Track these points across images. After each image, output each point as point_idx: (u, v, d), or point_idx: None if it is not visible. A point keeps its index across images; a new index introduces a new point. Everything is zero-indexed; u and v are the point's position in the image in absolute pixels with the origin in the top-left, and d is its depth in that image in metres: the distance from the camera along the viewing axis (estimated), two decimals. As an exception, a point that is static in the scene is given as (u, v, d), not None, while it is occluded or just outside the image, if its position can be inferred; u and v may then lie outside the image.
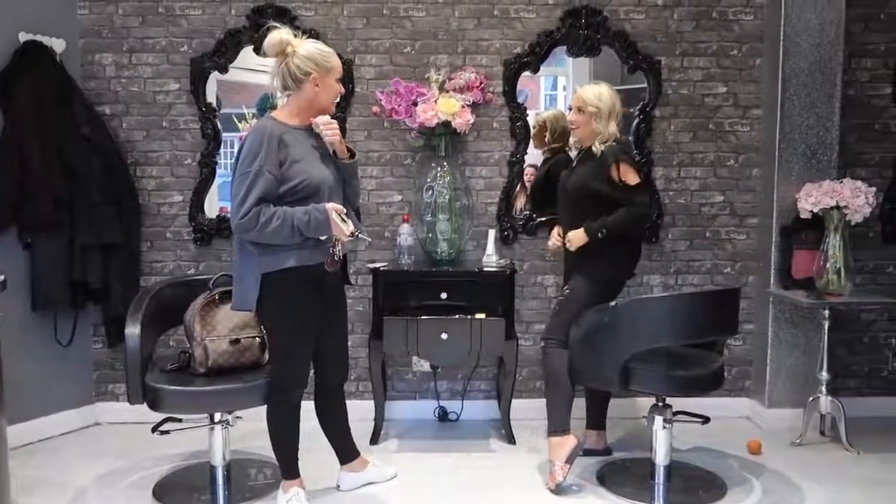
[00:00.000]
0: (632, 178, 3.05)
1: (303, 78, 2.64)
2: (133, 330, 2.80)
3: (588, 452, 3.29)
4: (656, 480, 3.05)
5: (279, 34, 2.64)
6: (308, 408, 2.92)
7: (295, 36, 2.70)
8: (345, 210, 2.66)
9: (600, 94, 3.10)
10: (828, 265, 3.40)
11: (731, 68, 3.83)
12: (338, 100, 2.81)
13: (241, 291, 2.69)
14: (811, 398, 3.52)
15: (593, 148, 3.09)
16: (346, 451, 3.05)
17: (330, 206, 2.60)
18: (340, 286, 2.93)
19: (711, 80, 3.83)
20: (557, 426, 3.05)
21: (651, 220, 3.82)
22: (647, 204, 3.15)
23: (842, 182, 3.41)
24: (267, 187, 2.55)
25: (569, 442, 3.01)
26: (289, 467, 2.84)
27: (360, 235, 2.69)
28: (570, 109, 3.22)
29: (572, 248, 3.11)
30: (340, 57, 3.61)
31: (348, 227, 2.61)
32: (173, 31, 3.74)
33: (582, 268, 3.13)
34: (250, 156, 2.57)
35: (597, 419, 3.37)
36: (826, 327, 3.48)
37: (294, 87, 2.67)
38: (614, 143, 3.09)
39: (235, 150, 2.89)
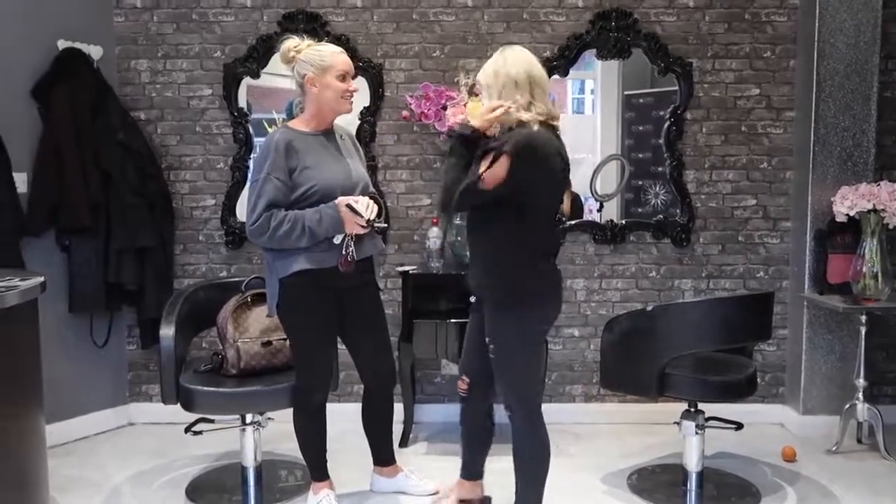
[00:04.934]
0: (498, 172, 2.29)
1: (302, 81, 2.66)
2: (167, 331, 2.85)
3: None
4: (689, 487, 3.02)
5: (286, 43, 2.66)
6: (335, 409, 2.95)
7: (316, 42, 2.72)
8: (356, 199, 2.56)
9: (495, 70, 2.41)
10: (864, 269, 3.34)
11: (765, 70, 3.78)
12: (351, 98, 2.68)
13: (270, 297, 2.73)
14: (847, 405, 3.45)
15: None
16: (381, 455, 3.03)
17: (340, 199, 2.57)
18: (368, 292, 2.84)
19: (744, 82, 3.79)
20: None
21: (682, 224, 3.80)
22: (465, 197, 2.34)
23: (879, 185, 3.35)
24: (275, 193, 2.58)
25: None
26: (317, 469, 2.86)
27: (377, 224, 2.60)
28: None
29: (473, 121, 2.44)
30: (370, 61, 3.73)
31: (362, 219, 2.54)
32: (207, 37, 3.79)
33: (494, 310, 2.50)
34: (258, 165, 2.64)
35: (476, 468, 2.90)
36: (863, 333, 3.42)
37: (302, 92, 2.70)
38: (527, 133, 2.34)
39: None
